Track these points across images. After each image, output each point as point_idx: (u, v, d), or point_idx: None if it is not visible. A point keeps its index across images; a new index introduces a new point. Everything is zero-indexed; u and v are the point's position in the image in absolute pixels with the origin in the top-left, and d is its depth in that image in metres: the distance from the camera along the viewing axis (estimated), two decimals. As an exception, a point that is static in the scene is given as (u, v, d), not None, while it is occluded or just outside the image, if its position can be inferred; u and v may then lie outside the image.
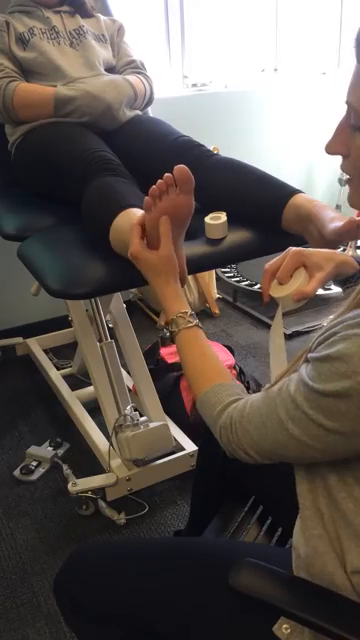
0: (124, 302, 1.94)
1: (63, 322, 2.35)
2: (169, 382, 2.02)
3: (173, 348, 2.16)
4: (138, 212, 1.17)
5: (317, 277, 0.95)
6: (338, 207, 3.25)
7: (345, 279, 0.99)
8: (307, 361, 0.74)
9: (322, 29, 3.15)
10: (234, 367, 2.14)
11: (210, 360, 0.95)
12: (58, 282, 1.24)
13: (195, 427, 1.90)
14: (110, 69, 1.80)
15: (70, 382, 2.21)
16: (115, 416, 1.67)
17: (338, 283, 1.01)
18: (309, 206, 1.28)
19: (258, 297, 2.92)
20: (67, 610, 0.93)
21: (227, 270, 3.08)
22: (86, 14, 1.79)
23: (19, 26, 1.68)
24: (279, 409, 0.74)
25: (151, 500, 1.77)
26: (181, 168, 1.04)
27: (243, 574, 0.74)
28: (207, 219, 1.35)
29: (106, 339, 1.70)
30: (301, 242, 1.26)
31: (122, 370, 1.75)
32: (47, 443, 2.00)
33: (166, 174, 1.05)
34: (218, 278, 2.98)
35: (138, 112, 1.75)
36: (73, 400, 2.07)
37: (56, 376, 2.24)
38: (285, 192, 1.36)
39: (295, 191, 1.35)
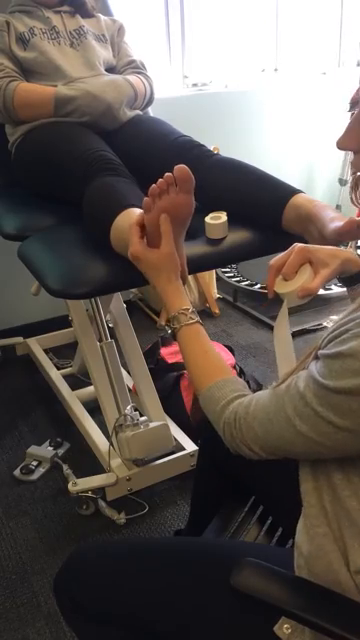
0: (124, 302, 1.94)
1: (63, 322, 2.35)
2: (169, 382, 2.02)
3: (173, 348, 2.16)
4: (138, 212, 1.17)
5: (322, 274, 0.95)
6: (338, 207, 3.25)
7: (349, 277, 0.99)
8: (317, 358, 0.74)
9: (322, 29, 3.15)
10: (234, 367, 2.14)
11: (212, 356, 0.95)
12: (58, 282, 1.24)
13: (195, 427, 1.90)
14: (110, 69, 1.80)
15: (70, 382, 2.21)
16: (115, 416, 1.67)
17: (342, 281, 1.01)
18: (309, 206, 1.28)
19: (258, 297, 2.92)
20: (67, 610, 0.93)
21: (227, 270, 3.08)
22: (86, 14, 1.79)
23: (19, 26, 1.68)
24: (287, 406, 0.74)
25: (151, 500, 1.77)
26: (181, 168, 1.04)
27: (244, 574, 0.74)
28: (207, 219, 1.35)
29: (106, 339, 1.69)
30: (301, 242, 1.26)
31: (122, 370, 1.75)
32: (47, 443, 2.00)
33: (166, 173, 1.05)
34: (218, 278, 2.98)
35: (138, 112, 1.75)
36: (73, 400, 2.07)
37: (56, 376, 2.24)
38: (285, 192, 1.36)
39: (295, 191, 1.35)
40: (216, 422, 0.86)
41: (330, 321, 2.69)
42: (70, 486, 1.68)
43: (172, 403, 1.96)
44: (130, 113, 1.70)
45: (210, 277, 2.85)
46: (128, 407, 1.66)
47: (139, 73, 1.81)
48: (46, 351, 2.45)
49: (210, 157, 1.51)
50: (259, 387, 2.14)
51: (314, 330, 2.62)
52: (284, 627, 0.75)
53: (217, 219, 1.35)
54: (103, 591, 0.88)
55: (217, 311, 2.88)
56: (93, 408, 2.01)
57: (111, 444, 1.70)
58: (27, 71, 1.68)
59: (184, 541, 1.07)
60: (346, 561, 0.74)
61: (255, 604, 0.73)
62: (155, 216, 1.07)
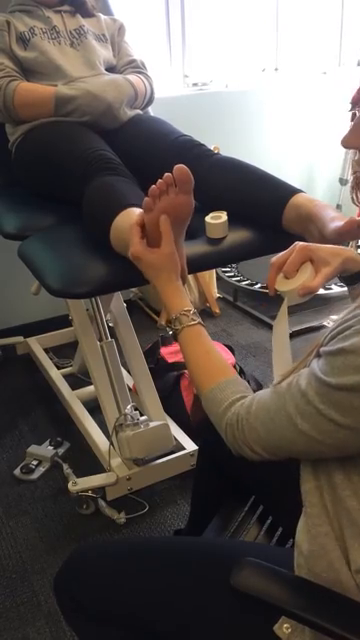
0: (124, 301, 1.94)
1: (63, 321, 2.35)
2: (169, 381, 2.02)
3: (173, 347, 2.16)
4: (138, 211, 1.17)
5: (323, 272, 0.94)
6: (339, 207, 3.25)
7: (350, 276, 0.99)
8: (318, 356, 0.74)
9: (323, 28, 3.15)
10: (235, 366, 2.14)
11: (214, 357, 0.95)
12: (58, 281, 1.24)
13: (195, 427, 1.90)
14: (111, 69, 1.80)
15: (70, 381, 2.21)
16: (115, 415, 1.67)
17: (343, 280, 1.01)
18: (310, 206, 1.28)
19: (259, 297, 2.92)
20: (67, 609, 0.93)
21: (227, 270, 3.08)
22: (87, 14, 1.79)
23: (20, 25, 1.68)
24: (288, 404, 0.74)
25: (151, 499, 1.77)
26: (180, 168, 1.04)
27: (244, 574, 0.74)
28: (208, 218, 1.35)
29: (106, 338, 1.70)
30: (302, 241, 1.26)
31: (122, 369, 1.75)
32: (47, 442, 2.00)
33: (166, 174, 1.05)
34: (218, 277, 2.98)
35: (139, 111, 1.75)
36: (73, 399, 2.07)
37: (56, 375, 2.24)
38: (286, 192, 1.36)
39: (296, 191, 1.35)
40: (218, 424, 0.86)
41: (330, 321, 2.69)
42: (70, 485, 1.68)
43: (172, 403, 1.96)
44: (130, 113, 1.69)
45: (210, 277, 2.85)
46: (128, 407, 1.66)
47: (139, 73, 1.81)
48: (46, 350, 2.45)
49: (210, 157, 1.50)
50: (259, 387, 2.14)
51: (314, 329, 2.62)
52: (284, 627, 0.75)
53: (217, 219, 1.35)
54: (103, 591, 0.88)
55: (217, 311, 2.88)
56: (93, 407, 2.01)
57: (111, 443, 1.70)
58: (27, 71, 1.68)
59: (184, 541, 1.07)
60: (347, 560, 0.75)
61: (255, 604, 0.73)
62: (155, 216, 1.07)
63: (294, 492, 0.81)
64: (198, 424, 1.89)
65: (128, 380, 1.94)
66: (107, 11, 1.98)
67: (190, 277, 2.73)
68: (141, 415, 1.69)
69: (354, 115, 0.98)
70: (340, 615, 0.71)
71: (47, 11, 1.72)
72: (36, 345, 2.46)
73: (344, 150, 3.12)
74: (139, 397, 1.83)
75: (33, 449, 1.96)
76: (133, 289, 2.86)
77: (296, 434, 0.73)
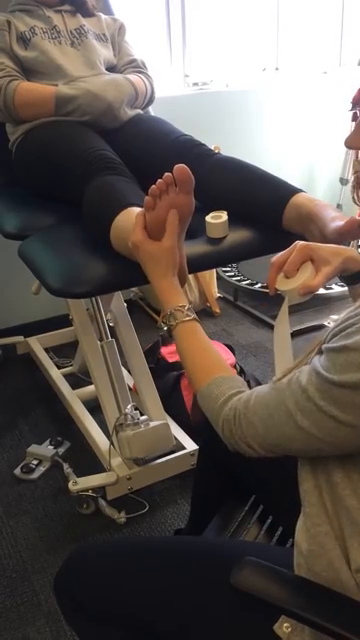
0: (125, 301, 1.94)
1: (64, 321, 2.35)
2: (169, 381, 2.02)
3: (174, 347, 2.16)
4: (139, 210, 1.17)
5: (324, 271, 0.94)
6: (339, 206, 3.25)
7: (350, 275, 0.99)
8: (320, 353, 0.74)
9: (323, 28, 3.15)
10: (235, 366, 2.14)
11: (210, 353, 0.95)
12: (59, 281, 1.24)
13: (195, 426, 1.90)
14: (111, 68, 1.80)
15: (71, 381, 2.22)
16: (115, 415, 1.67)
17: (343, 279, 1.01)
18: (310, 205, 1.28)
19: (259, 296, 2.92)
20: (67, 609, 0.93)
21: (228, 269, 3.08)
22: (87, 13, 1.79)
23: (20, 25, 1.68)
24: (288, 400, 0.74)
25: (151, 499, 1.77)
26: (181, 167, 1.04)
27: (244, 573, 0.74)
28: (208, 218, 1.35)
29: (107, 338, 1.70)
30: (303, 241, 1.26)
31: (123, 369, 1.75)
32: (48, 442, 2.00)
33: (166, 174, 1.05)
34: (219, 277, 2.98)
35: (139, 111, 1.75)
36: (74, 399, 2.07)
37: (57, 375, 2.24)
38: (286, 191, 1.36)
39: (296, 190, 1.35)
40: (214, 420, 0.86)
41: (330, 320, 2.69)
42: (70, 485, 1.68)
43: (172, 402, 1.96)
44: (131, 112, 1.69)
45: (210, 276, 2.85)
46: (128, 406, 1.66)
47: (140, 72, 1.80)
48: (47, 350, 2.45)
49: (211, 156, 1.50)
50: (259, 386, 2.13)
51: (314, 329, 2.62)
52: (284, 626, 0.75)
53: (218, 218, 1.35)
54: (103, 590, 0.88)
55: (217, 310, 2.88)
56: (93, 407, 2.01)
57: (111, 443, 1.70)
58: (28, 70, 1.68)
59: (184, 540, 1.07)
60: (347, 559, 0.75)
61: (255, 603, 0.73)
62: (155, 216, 1.07)
63: (294, 492, 0.81)
64: (198, 424, 1.89)
65: (128, 380, 1.94)
66: (107, 11, 1.98)
67: (190, 277, 2.73)
68: (141, 415, 1.69)
69: (355, 115, 0.98)
70: (340, 614, 0.71)
71: (48, 11, 1.72)
72: (36, 345, 2.46)
73: (345, 150, 3.12)
74: (139, 397, 1.83)
75: (33, 449, 1.96)
76: (133, 289, 2.86)
77: (295, 431, 0.73)
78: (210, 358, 0.94)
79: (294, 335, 2.60)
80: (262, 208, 1.37)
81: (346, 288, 1.04)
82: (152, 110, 1.89)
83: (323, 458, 0.76)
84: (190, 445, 1.81)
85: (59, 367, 2.35)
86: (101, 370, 1.76)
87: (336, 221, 1.20)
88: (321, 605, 0.72)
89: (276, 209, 1.34)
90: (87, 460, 1.88)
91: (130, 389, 1.81)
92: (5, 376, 2.42)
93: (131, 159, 1.51)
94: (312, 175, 3.35)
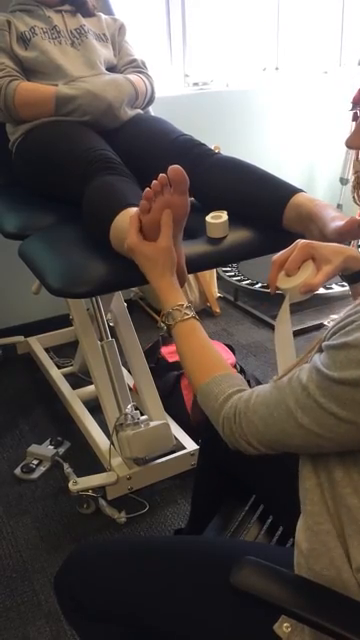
0: (125, 301, 1.94)
1: (64, 321, 2.35)
2: (170, 381, 2.02)
3: (174, 347, 2.16)
4: (137, 209, 1.17)
5: (325, 270, 0.94)
6: (339, 206, 3.25)
7: (351, 274, 0.99)
8: (320, 351, 0.74)
9: (324, 28, 3.15)
10: (235, 366, 2.14)
11: (209, 352, 0.95)
12: (59, 281, 1.24)
13: (196, 426, 1.90)
14: (111, 68, 1.80)
15: (71, 381, 2.22)
16: (116, 415, 1.67)
17: (344, 278, 1.01)
18: (310, 205, 1.28)
19: (259, 296, 2.92)
20: (68, 609, 0.93)
21: (228, 269, 3.08)
22: (87, 13, 1.79)
23: (20, 25, 1.68)
24: (288, 398, 0.74)
25: (151, 499, 1.77)
26: (175, 168, 1.04)
27: (244, 573, 0.74)
28: (208, 218, 1.35)
29: (107, 338, 1.70)
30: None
31: (123, 369, 1.75)
32: (48, 442, 2.00)
33: (160, 175, 1.05)
34: (219, 277, 2.98)
35: (139, 111, 1.75)
36: (74, 399, 2.07)
37: (57, 375, 2.24)
38: (286, 191, 1.36)
39: (296, 190, 1.35)
40: (215, 418, 0.86)
41: (331, 320, 2.69)
42: (71, 485, 1.68)
43: (172, 402, 1.97)
44: (131, 112, 1.69)
45: (211, 276, 2.85)
46: (129, 406, 1.66)
47: (140, 72, 1.80)
48: (47, 350, 2.45)
49: (211, 156, 1.50)
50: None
51: (315, 329, 2.62)
52: (284, 626, 0.75)
53: (218, 218, 1.35)
54: (103, 590, 0.89)
55: (218, 310, 2.89)
56: (94, 407, 2.01)
57: (112, 443, 1.70)
58: (28, 70, 1.68)
59: (184, 540, 1.07)
60: (348, 559, 0.75)
61: (255, 603, 0.73)
62: (151, 217, 1.07)
63: (294, 491, 0.81)
64: (198, 423, 1.89)
65: (128, 379, 1.94)
66: (108, 11, 1.98)
67: (190, 277, 2.73)
68: (141, 414, 1.69)
69: (355, 115, 0.98)
70: (340, 614, 0.71)
71: (48, 11, 1.72)
72: (37, 344, 2.46)
73: (345, 150, 3.12)
74: (139, 396, 1.83)
75: (33, 448, 1.96)
76: (134, 289, 2.86)
77: (296, 428, 0.73)
78: (209, 356, 0.94)
79: (295, 335, 2.59)
80: (262, 208, 1.37)
81: (346, 288, 1.04)
82: (152, 110, 1.89)
83: (324, 456, 0.76)
84: (190, 445, 1.81)
85: (59, 367, 2.35)
86: (101, 370, 1.76)
87: (336, 221, 1.20)
88: (321, 605, 0.72)
89: (276, 209, 1.34)
90: (87, 460, 1.88)
91: (130, 389, 1.81)
92: (5, 376, 2.42)
93: (131, 159, 1.51)
94: (312, 175, 3.35)
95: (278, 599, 0.72)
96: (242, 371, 2.15)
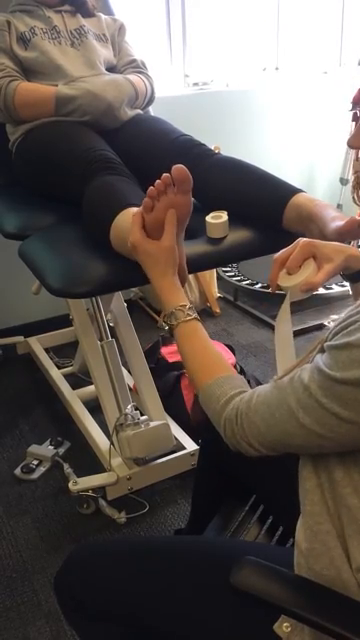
0: (125, 301, 1.94)
1: (64, 321, 2.35)
2: (170, 381, 2.02)
3: (174, 347, 2.16)
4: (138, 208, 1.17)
5: (326, 269, 0.94)
6: (339, 206, 3.25)
7: (353, 273, 0.99)
8: (322, 351, 0.74)
9: (324, 28, 3.15)
10: (235, 366, 2.14)
11: (211, 353, 0.95)
12: (59, 281, 1.24)
13: (196, 426, 1.90)
14: (111, 68, 1.80)
15: (71, 381, 2.22)
16: (116, 415, 1.67)
17: (346, 277, 1.01)
18: (310, 205, 1.28)
19: (259, 296, 2.92)
20: (68, 608, 0.93)
21: (228, 269, 3.08)
22: (87, 13, 1.79)
23: (20, 25, 1.68)
24: (290, 398, 0.74)
25: (152, 499, 1.77)
26: (179, 168, 1.04)
27: (244, 573, 0.74)
28: (208, 218, 1.35)
29: (107, 338, 1.70)
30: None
31: (123, 369, 1.75)
32: (48, 442, 2.00)
33: (164, 174, 1.05)
34: (219, 277, 2.98)
35: (139, 111, 1.75)
36: (74, 399, 2.07)
37: (57, 375, 2.24)
38: (286, 191, 1.36)
39: (296, 190, 1.35)
40: (216, 419, 0.86)
41: (331, 320, 2.69)
42: (71, 485, 1.68)
43: (173, 402, 1.96)
44: (131, 112, 1.70)
45: (211, 276, 2.85)
46: (129, 406, 1.66)
47: (140, 72, 1.80)
48: (47, 350, 2.45)
49: (211, 156, 1.50)
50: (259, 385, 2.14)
51: (315, 329, 2.62)
52: (284, 625, 0.75)
53: (218, 218, 1.35)
54: (103, 590, 0.89)
55: (218, 310, 2.89)
56: (94, 407, 2.01)
57: (112, 443, 1.70)
58: (28, 71, 1.68)
59: (184, 540, 1.07)
60: (348, 558, 0.75)
61: (255, 603, 0.73)
62: (155, 217, 1.07)
63: (294, 492, 0.81)
64: (198, 423, 1.89)
65: (128, 380, 1.94)
66: (107, 11, 1.98)
67: (190, 277, 2.73)
68: (141, 415, 1.69)
69: (355, 115, 0.99)
70: (340, 614, 0.71)
71: (48, 11, 1.72)
72: (36, 345, 2.46)
73: (345, 150, 3.12)
74: (139, 397, 1.83)
75: (33, 449, 1.96)
76: (134, 289, 2.86)
77: (297, 428, 0.73)
78: (212, 358, 0.94)
79: (295, 335, 2.59)
80: (262, 208, 1.37)
81: (347, 288, 1.04)
82: (152, 110, 1.89)
83: (324, 457, 0.76)
84: (190, 445, 1.81)
85: (59, 367, 2.35)
86: (101, 370, 1.76)
87: (336, 221, 1.20)
88: (321, 605, 0.72)
89: (276, 209, 1.34)
90: (87, 460, 1.88)
91: (130, 389, 1.81)
92: (5, 376, 2.42)
93: (131, 159, 1.51)
94: (312, 175, 3.35)
95: (278, 599, 0.72)
96: (242, 371, 2.15)
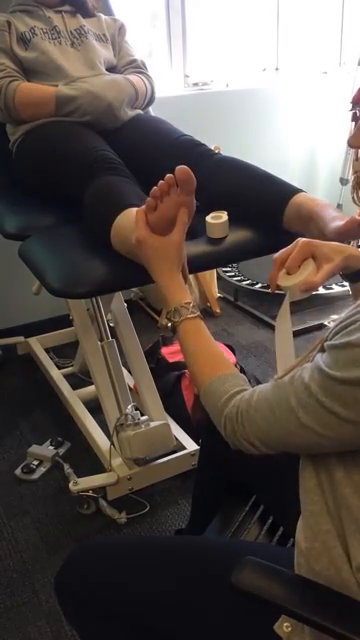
0: (125, 301, 1.94)
1: (64, 321, 2.35)
2: (170, 381, 2.02)
3: (174, 347, 2.16)
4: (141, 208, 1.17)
5: (325, 268, 0.94)
6: (339, 206, 3.25)
7: (352, 273, 0.99)
8: (322, 350, 0.74)
9: (323, 28, 3.15)
10: (236, 366, 2.14)
11: (214, 350, 0.95)
12: (59, 281, 1.24)
13: (196, 426, 1.90)
14: (111, 69, 1.80)
15: (71, 381, 2.22)
16: (116, 415, 1.67)
17: (345, 277, 1.01)
18: (311, 205, 1.28)
19: (259, 296, 2.92)
20: (68, 609, 0.93)
21: (228, 269, 3.08)
22: (87, 14, 1.79)
23: (20, 26, 1.68)
24: (290, 397, 0.74)
25: (152, 499, 1.77)
26: (182, 169, 1.04)
27: (246, 573, 0.74)
28: (208, 218, 1.35)
29: (107, 338, 1.70)
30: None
31: (123, 369, 1.75)
32: (48, 442, 2.00)
33: (167, 175, 1.05)
34: (219, 277, 2.98)
35: (139, 111, 1.75)
36: (74, 399, 2.07)
37: (57, 375, 2.24)
38: (286, 191, 1.36)
39: (296, 190, 1.35)
40: (217, 417, 0.86)
41: (331, 320, 2.69)
42: (71, 485, 1.68)
43: (173, 402, 1.96)
44: (131, 112, 1.70)
45: (211, 276, 2.85)
46: (129, 406, 1.66)
47: (140, 73, 1.81)
48: (47, 350, 2.45)
49: (211, 156, 1.51)
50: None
51: (315, 329, 2.62)
52: (284, 625, 0.75)
53: (218, 218, 1.35)
54: (104, 590, 0.88)
55: (218, 310, 2.88)
56: (94, 407, 2.01)
57: (112, 443, 1.70)
58: (28, 71, 1.68)
59: (185, 540, 1.07)
60: (348, 558, 0.75)
61: (255, 603, 0.73)
62: (157, 217, 1.07)
63: (295, 492, 0.81)
64: (199, 423, 1.89)
65: (129, 380, 1.94)
66: (108, 11, 1.98)
67: (191, 277, 2.73)
68: (142, 415, 1.69)
69: (355, 115, 0.98)
70: (340, 614, 0.71)
71: (48, 11, 1.73)
72: (37, 345, 2.46)
73: (345, 150, 3.12)
74: (140, 397, 1.83)
75: (34, 449, 1.96)
76: (134, 289, 2.86)
77: (297, 427, 0.73)
78: (214, 356, 0.94)
79: (295, 335, 2.59)
80: (262, 208, 1.37)
81: (347, 287, 1.04)
82: (152, 110, 1.89)
83: (325, 457, 0.76)
84: (191, 445, 1.81)
85: (59, 367, 2.35)
86: (101, 370, 1.76)
87: (336, 221, 1.20)
88: (321, 604, 0.72)
89: (276, 209, 1.34)
90: (88, 460, 1.88)
91: (130, 389, 1.81)
92: (5, 376, 2.42)
93: (131, 159, 1.51)
94: (312, 175, 3.35)
95: (279, 598, 0.72)
96: (242, 371, 2.16)
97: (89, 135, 1.55)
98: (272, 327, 2.65)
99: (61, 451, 1.96)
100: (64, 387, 2.16)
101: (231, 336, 2.69)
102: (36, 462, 1.91)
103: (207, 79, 2.90)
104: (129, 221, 1.15)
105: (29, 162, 1.64)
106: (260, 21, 2.96)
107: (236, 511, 1.16)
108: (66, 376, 2.26)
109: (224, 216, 1.35)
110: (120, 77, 1.69)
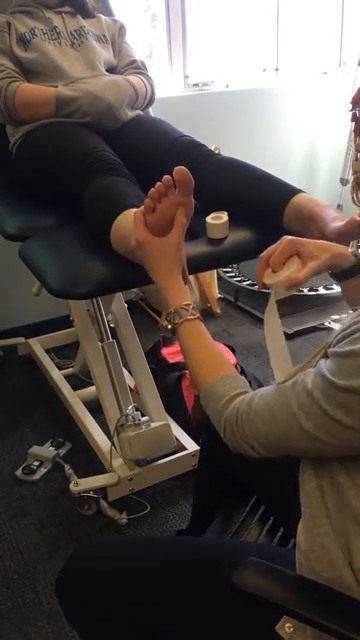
0: (125, 302, 1.94)
1: (64, 322, 2.35)
2: (170, 382, 2.02)
3: (174, 348, 2.16)
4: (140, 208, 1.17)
5: (310, 266, 0.94)
6: (340, 207, 3.25)
7: (341, 272, 0.98)
8: (326, 356, 0.74)
9: (323, 29, 3.15)
10: (236, 367, 2.14)
11: (214, 352, 0.95)
12: (59, 282, 1.24)
13: (196, 427, 1.90)
14: (111, 69, 1.80)
15: (72, 382, 2.21)
16: (117, 416, 1.67)
17: (334, 276, 1.01)
18: (311, 205, 1.28)
19: (259, 297, 2.92)
20: (69, 609, 0.93)
21: (228, 270, 3.08)
22: (87, 14, 1.79)
23: (20, 27, 1.68)
24: (292, 403, 0.74)
25: (153, 500, 1.77)
26: (180, 170, 1.04)
27: (247, 573, 0.74)
28: (208, 219, 1.35)
29: (107, 339, 1.70)
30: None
31: (123, 370, 1.75)
32: (49, 443, 2.00)
33: (165, 176, 1.05)
34: (219, 278, 2.97)
35: (139, 112, 1.75)
36: (75, 400, 2.07)
37: (58, 376, 2.24)
38: (286, 192, 1.36)
39: (296, 191, 1.35)
40: (216, 419, 0.86)
41: (331, 321, 2.69)
42: (72, 486, 1.68)
43: (173, 403, 1.96)
44: (131, 113, 1.70)
45: (211, 277, 2.85)
46: (129, 407, 1.66)
47: (140, 73, 1.81)
48: (47, 351, 2.45)
49: (211, 157, 1.51)
50: (260, 387, 2.13)
51: (315, 329, 2.62)
52: (286, 626, 0.75)
53: (218, 219, 1.35)
54: (105, 591, 0.88)
55: (218, 311, 2.88)
56: (94, 408, 2.01)
57: (113, 444, 1.70)
58: (28, 72, 1.68)
59: (185, 541, 1.07)
60: (349, 560, 0.75)
61: (257, 603, 0.73)
62: (156, 219, 1.06)
63: (295, 493, 0.81)
64: (199, 424, 1.89)
65: (129, 380, 1.94)
66: (108, 12, 1.98)
67: (191, 277, 2.73)
68: (142, 415, 1.69)
69: (354, 115, 0.98)
70: (342, 614, 0.71)
71: (47, 12, 1.73)
72: (37, 346, 2.46)
73: (345, 150, 3.12)
74: (140, 397, 1.83)
75: (35, 450, 1.96)
76: (134, 289, 2.86)
77: (299, 433, 0.73)
78: (215, 357, 0.94)
79: (296, 335, 2.60)
80: (262, 209, 1.38)
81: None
82: (152, 111, 1.89)
83: (326, 460, 0.76)
84: (191, 446, 1.81)
85: (60, 368, 2.35)
86: (102, 371, 1.76)
87: (336, 221, 1.20)
88: (323, 605, 0.72)
89: (276, 209, 1.34)
90: (88, 461, 1.88)
91: (131, 390, 1.81)
92: (6, 377, 2.42)
93: (131, 160, 1.51)
94: (312, 175, 3.35)
95: (281, 599, 0.72)
96: (243, 372, 2.15)
97: (89, 136, 1.55)
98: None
99: (62, 452, 1.96)
100: (65, 388, 2.16)
101: (231, 336, 2.69)
102: (37, 463, 1.91)
103: (207, 79, 2.90)
104: (129, 222, 1.15)
105: (29, 163, 1.64)
106: (260, 21, 2.96)
107: (237, 511, 1.16)
108: (67, 377, 2.26)
109: (224, 217, 1.35)
110: (120, 78, 1.69)
